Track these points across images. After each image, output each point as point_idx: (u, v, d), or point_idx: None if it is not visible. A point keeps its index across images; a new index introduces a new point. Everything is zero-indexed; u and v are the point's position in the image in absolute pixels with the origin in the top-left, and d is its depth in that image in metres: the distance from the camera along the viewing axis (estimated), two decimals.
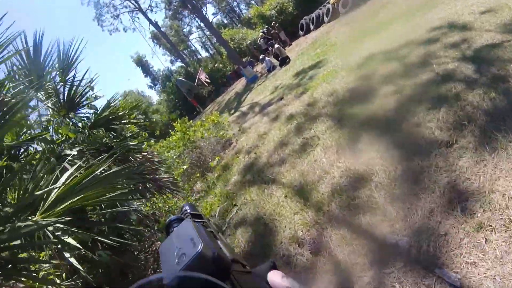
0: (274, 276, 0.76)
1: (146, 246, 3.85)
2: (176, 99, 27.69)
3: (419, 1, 8.18)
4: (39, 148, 3.41)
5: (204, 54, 45.80)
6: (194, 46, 46.95)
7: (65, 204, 2.08)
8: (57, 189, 2.21)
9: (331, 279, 2.71)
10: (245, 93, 14.71)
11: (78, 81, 3.87)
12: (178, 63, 40.42)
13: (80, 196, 2.08)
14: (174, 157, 7.08)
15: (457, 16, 5.72)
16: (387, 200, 2.96)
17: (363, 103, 4.67)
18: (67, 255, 2.30)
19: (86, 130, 3.68)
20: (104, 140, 3.47)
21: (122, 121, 3.95)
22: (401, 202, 2.85)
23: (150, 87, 48.11)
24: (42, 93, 3.71)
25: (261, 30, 21.68)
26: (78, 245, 2.17)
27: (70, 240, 2.19)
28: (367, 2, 13.41)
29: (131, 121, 4.03)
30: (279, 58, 14.19)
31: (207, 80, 18.10)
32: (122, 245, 3.86)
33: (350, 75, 6.13)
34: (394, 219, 2.76)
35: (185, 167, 6.76)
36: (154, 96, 48.99)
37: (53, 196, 2.19)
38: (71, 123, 3.78)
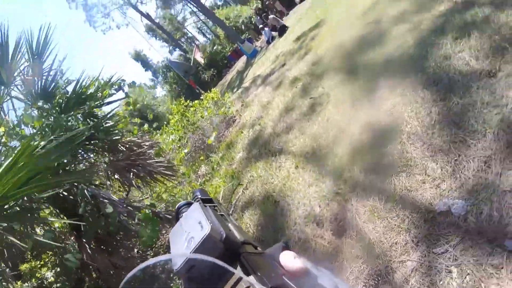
0: (286, 257, 0.66)
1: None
2: (179, 87, 27.00)
3: None
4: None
5: (201, 39, 44.53)
6: (190, 32, 45.41)
7: None
8: None
9: (362, 268, 2.07)
10: (247, 69, 13.98)
11: (48, 69, 3.49)
12: (177, 52, 39.50)
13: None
14: (172, 142, 6.49)
15: None
16: (425, 154, 2.29)
17: (376, 48, 3.92)
18: None
19: (56, 115, 3.16)
20: (69, 123, 2.88)
21: (96, 102, 3.36)
22: (444, 154, 2.18)
23: (152, 80, 47.33)
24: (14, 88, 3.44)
25: (253, 7, 20.71)
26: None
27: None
28: None
29: (105, 100, 3.43)
30: (277, 28, 13.31)
31: (202, 59, 17.31)
32: (110, 243, 3.39)
33: (356, 24, 5.33)
34: (439, 177, 2.09)
35: (186, 150, 6.18)
36: (157, 89, 48.24)
37: None
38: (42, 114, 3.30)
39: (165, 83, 32.89)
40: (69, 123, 2.94)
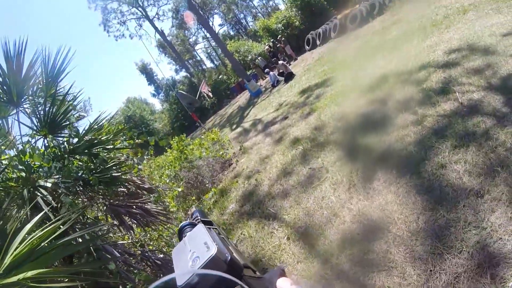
0: (283, 283, 0.76)
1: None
2: (179, 109, 27.32)
3: (433, 19, 7.81)
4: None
5: (209, 64, 45.67)
6: (199, 56, 46.73)
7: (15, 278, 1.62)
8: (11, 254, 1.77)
9: None
10: (248, 107, 14.33)
11: (62, 97, 3.52)
12: (183, 73, 40.33)
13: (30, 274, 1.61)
14: (167, 180, 6.59)
15: (476, 38, 5.29)
16: (406, 259, 2.48)
17: (378, 132, 4.18)
18: None
19: (65, 157, 3.23)
20: (80, 174, 3.00)
21: (106, 147, 3.47)
22: (422, 263, 2.38)
23: (153, 95, 47.68)
24: (22, 109, 3.37)
25: (266, 44, 21.50)
26: None
27: None
28: (377, 19, 13.13)
29: (116, 147, 3.55)
30: (284, 74, 13.81)
31: (209, 93, 17.73)
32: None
33: (361, 97, 5.68)
34: (414, 283, 2.30)
35: (180, 189, 6.27)
36: (157, 104, 48.71)
37: (7, 261, 1.75)
38: (49, 146, 3.35)
39: (165, 101, 33.41)
40: (79, 173, 3.02)
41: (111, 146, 3.50)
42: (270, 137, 7.36)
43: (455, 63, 4.89)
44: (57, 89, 3.53)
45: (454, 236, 2.40)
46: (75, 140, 3.32)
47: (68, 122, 3.52)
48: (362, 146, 4.19)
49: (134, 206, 3.68)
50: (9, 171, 3.02)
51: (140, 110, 33.85)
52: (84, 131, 3.38)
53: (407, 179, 3.17)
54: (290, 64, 16.44)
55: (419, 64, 5.57)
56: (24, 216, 2.53)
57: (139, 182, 4.10)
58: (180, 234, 0.98)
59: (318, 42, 17.27)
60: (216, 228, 0.95)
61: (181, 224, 0.99)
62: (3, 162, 3.04)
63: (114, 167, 3.42)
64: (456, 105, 3.85)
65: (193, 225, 0.95)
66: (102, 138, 3.35)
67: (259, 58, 20.38)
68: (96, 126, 3.41)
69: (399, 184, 3.17)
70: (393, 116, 4.34)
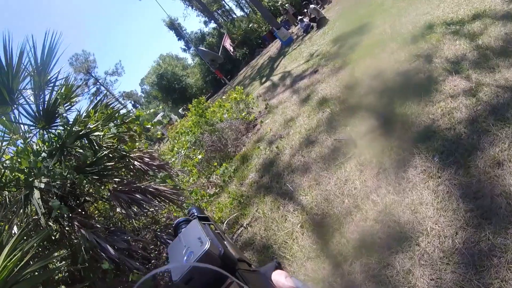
0: (278, 276, 0.73)
1: None
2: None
3: None
4: None
5: (239, 13, 43.27)
6: (228, 5, 44.28)
7: None
8: None
9: None
10: (279, 58, 13.46)
11: (53, 84, 3.31)
12: (212, 24, 38.77)
13: None
14: (183, 151, 6.24)
15: None
16: (430, 287, 1.92)
17: (421, 101, 3.39)
18: None
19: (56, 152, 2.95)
20: (66, 173, 2.68)
21: (96, 134, 3.15)
22: None
23: (184, 50, 46.80)
24: (16, 106, 3.19)
25: None
26: None
27: None
28: None
29: (106, 134, 3.19)
30: (316, 20, 12.61)
31: (232, 47, 16.74)
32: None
33: (402, 50, 4.78)
34: None
35: (200, 156, 5.94)
36: (189, 58, 48.02)
37: None
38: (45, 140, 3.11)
39: (196, 55, 32.68)
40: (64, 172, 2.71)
41: (101, 133, 3.15)
42: (298, 94, 6.71)
43: None
44: (51, 76, 3.33)
45: (495, 271, 1.77)
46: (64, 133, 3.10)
47: (63, 110, 3.27)
48: (400, 116, 3.42)
49: (139, 190, 3.36)
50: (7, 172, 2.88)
51: (172, 67, 33.50)
52: (72, 122, 3.12)
53: (451, 173, 2.47)
54: (323, 8, 15.03)
55: (473, 12, 4.48)
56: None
57: (148, 159, 3.77)
58: (176, 230, 0.94)
59: None
60: (212, 224, 0.91)
61: (177, 220, 0.96)
62: (7, 162, 2.92)
63: (110, 154, 3.11)
64: None
65: (188, 221, 0.92)
66: (91, 126, 3.02)
67: (286, 5, 18.91)
68: (85, 114, 3.12)
69: (440, 178, 2.49)
70: (440, 79, 3.50)
